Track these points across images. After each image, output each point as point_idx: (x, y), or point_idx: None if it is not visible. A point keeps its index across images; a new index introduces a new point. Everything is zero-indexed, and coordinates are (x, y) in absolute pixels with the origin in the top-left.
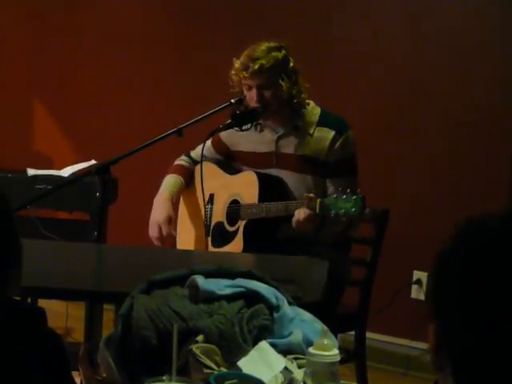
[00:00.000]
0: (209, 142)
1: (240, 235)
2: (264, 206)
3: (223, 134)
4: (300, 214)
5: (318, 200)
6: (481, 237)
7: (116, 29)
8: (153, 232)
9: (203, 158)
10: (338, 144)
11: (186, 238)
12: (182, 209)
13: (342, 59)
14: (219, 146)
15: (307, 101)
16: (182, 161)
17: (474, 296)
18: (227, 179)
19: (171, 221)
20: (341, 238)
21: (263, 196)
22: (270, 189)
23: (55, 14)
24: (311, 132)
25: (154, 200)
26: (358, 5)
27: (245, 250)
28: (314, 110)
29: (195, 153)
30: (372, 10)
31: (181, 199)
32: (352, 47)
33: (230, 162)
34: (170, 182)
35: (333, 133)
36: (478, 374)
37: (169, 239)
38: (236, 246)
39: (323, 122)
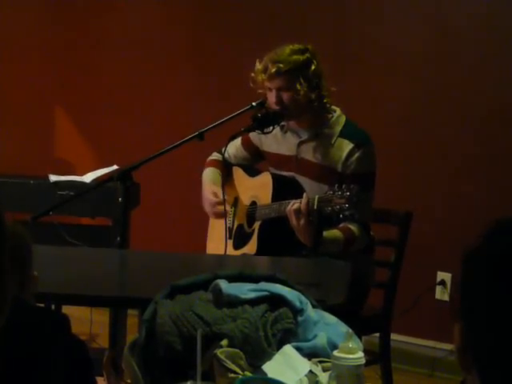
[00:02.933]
0: (238, 141)
1: (255, 236)
2: (275, 206)
3: (251, 134)
4: (292, 205)
5: (317, 196)
6: (509, 238)
7: (137, 34)
8: (211, 199)
9: (233, 159)
10: (354, 157)
11: (215, 243)
12: None
13: (360, 60)
14: (249, 146)
15: (333, 107)
16: (215, 156)
17: (501, 296)
18: (248, 182)
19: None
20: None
21: (277, 196)
22: (284, 189)
23: (77, 21)
24: (333, 142)
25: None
26: (375, 6)
27: (259, 251)
28: (339, 119)
29: (226, 152)
30: (390, 10)
31: None
32: (370, 47)
33: (257, 161)
34: (209, 173)
35: (351, 145)
36: (504, 373)
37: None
38: (251, 247)
39: (345, 133)
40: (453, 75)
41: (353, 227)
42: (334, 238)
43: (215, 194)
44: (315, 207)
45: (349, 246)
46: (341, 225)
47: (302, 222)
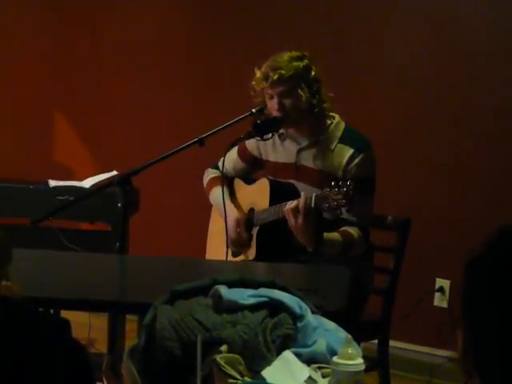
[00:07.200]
0: (234, 154)
1: (253, 242)
2: (273, 209)
3: (249, 144)
4: (290, 204)
5: (314, 194)
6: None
7: (137, 39)
8: (232, 232)
9: (233, 172)
10: (354, 162)
11: (214, 250)
12: (212, 223)
13: (359, 67)
14: (246, 156)
15: (332, 114)
16: (213, 174)
17: (503, 303)
18: (246, 190)
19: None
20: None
21: (274, 201)
22: (281, 194)
23: (76, 25)
24: (332, 147)
25: (215, 213)
26: (376, 12)
27: (257, 256)
28: (338, 125)
29: (225, 168)
30: (391, 18)
31: (211, 214)
32: (370, 55)
33: (256, 171)
34: (218, 193)
35: (351, 151)
36: (505, 377)
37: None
38: (249, 253)
39: (345, 138)
40: (452, 79)
41: (352, 231)
42: (333, 240)
43: (238, 223)
44: (312, 205)
45: (348, 250)
46: (341, 229)
47: (300, 220)
